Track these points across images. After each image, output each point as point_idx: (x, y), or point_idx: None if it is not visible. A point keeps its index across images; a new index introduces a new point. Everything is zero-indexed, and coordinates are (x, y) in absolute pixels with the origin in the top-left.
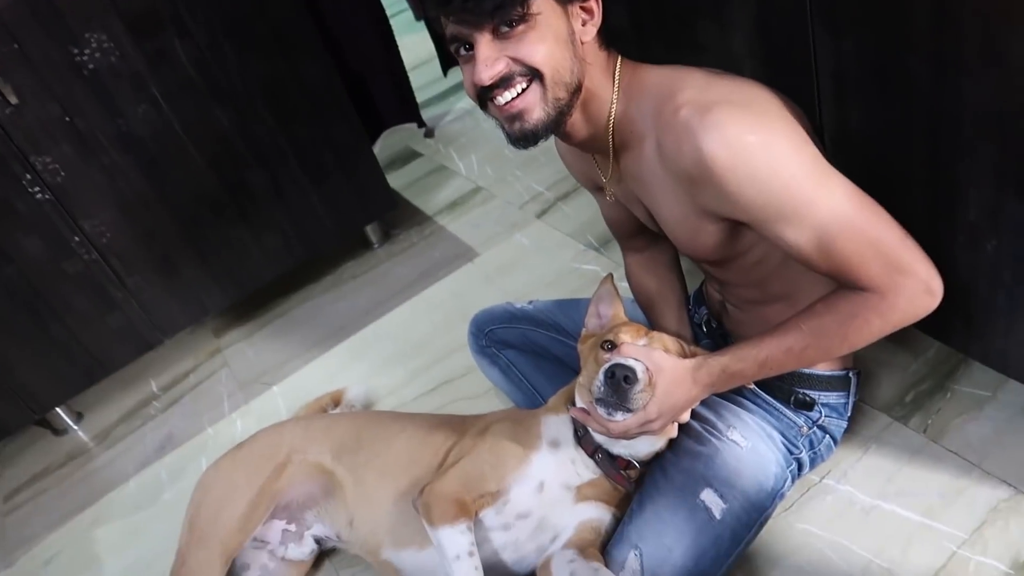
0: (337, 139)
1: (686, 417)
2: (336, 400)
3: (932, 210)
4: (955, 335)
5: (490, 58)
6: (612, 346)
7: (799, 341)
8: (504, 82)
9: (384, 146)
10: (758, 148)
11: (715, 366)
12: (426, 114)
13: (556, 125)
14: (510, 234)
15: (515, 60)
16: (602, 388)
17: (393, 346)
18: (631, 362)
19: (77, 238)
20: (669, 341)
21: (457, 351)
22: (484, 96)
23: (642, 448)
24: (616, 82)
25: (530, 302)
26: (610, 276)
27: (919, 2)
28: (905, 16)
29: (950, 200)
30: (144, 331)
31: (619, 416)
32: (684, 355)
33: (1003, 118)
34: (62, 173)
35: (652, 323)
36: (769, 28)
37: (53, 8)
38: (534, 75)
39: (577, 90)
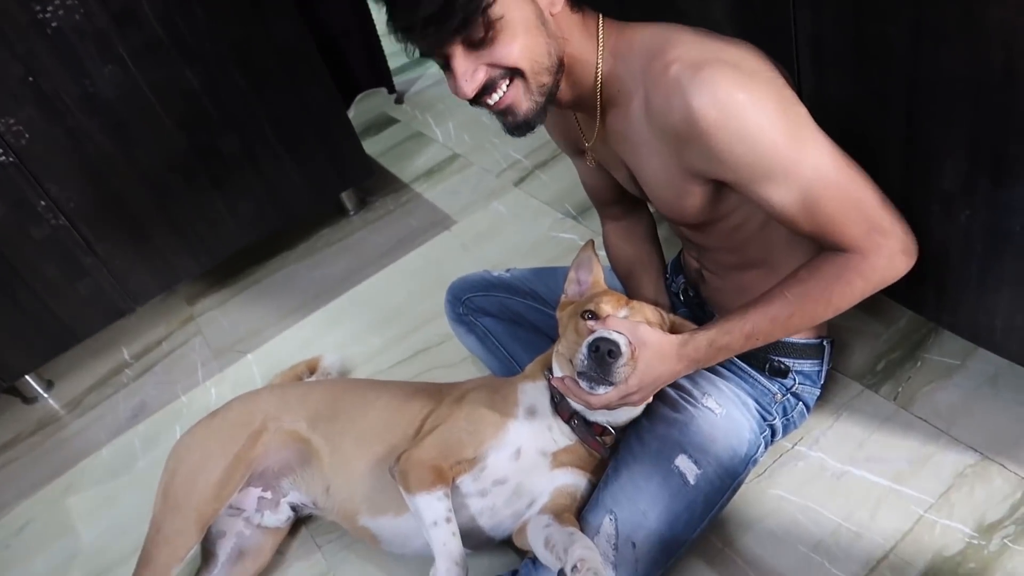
0: (311, 103)
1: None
2: (312, 368)
3: (907, 179)
4: (927, 304)
5: (468, 71)
6: (593, 316)
7: (784, 309)
8: (487, 88)
9: (359, 112)
10: (747, 107)
11: (701, 341)
12: (400, 79)
13: (547, 107)
14: (487, 202)
15: (493, 65)
16: (585, 362)
17: (369, 314)
18: (615, 336)
19: (43, 203)
20: (649, 311)
21: (434, 319)
22: (474, 101)
23: (619, 416)
24: (600, 42)
25: (507, 270)
26: (591, 242)
27: None
28: None
29: (925, 170)
30: (115, 298)
31: (601, 390)
32: (664, 325)
33: (979, 87)
34: (26, 135)
35: (629, 292)
36: None
37: None
38: (514, 73)
39: (559, 67)
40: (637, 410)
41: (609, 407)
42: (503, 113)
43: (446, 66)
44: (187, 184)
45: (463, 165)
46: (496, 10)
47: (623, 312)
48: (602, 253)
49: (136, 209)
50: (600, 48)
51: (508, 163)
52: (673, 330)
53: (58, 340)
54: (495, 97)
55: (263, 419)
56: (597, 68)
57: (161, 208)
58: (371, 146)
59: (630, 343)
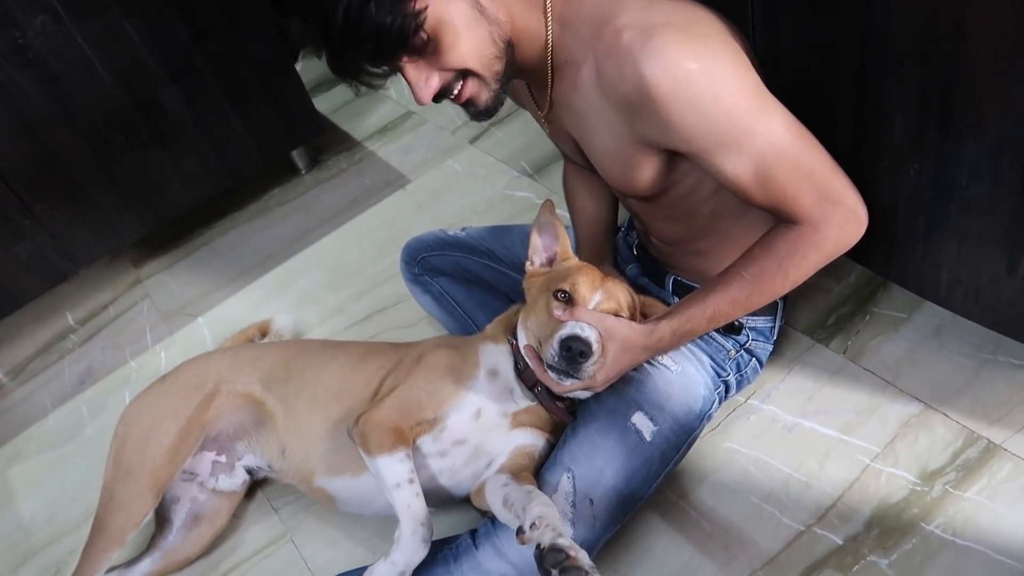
0: (257, 56)
1: None
2: (263, 330)
3: (858, 134)
4: (876, 259)
5: (421, 79)
6: (567, 297)
7: (743, 290)
8: (444, 91)
9: (309, 68)
10: (700, 75)
11: (665, 330)
12: None
13: (505, 89)
14: (442, 160)
15: (444, 70)
16: (556, 357)
17: (323, 275)
18: (587, 334)
19: None
20: (622, 294)
21: (389, 279)
22: (439, 99)
23: (585, 394)
24: (548, 10)
25: (463, 229)
26: (549, 203)
27: None
28: None
29: (876, 123)
30: (56, 261)
31: (567, 382)
32: (634, 306)
33: (930, 39)
34: None
35: (578, 234)
36: None
37: None
38: (466, 73)
39: (508, 47)
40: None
41: (574, 392)
42: (465, 105)
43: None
44: (128, 142)
45: (417, 122)
46: (429, 21)
47: (598, 296)
48: (562, 212)
49: (75, 168)
50: (548, 17)
51: (463, 120)
52: (643, 309)
53: None
54: (453, 94)
55: (216, 381)
56: (547, 38)
57: (102, 167)
58: (322, 103)
59: (600, 338)
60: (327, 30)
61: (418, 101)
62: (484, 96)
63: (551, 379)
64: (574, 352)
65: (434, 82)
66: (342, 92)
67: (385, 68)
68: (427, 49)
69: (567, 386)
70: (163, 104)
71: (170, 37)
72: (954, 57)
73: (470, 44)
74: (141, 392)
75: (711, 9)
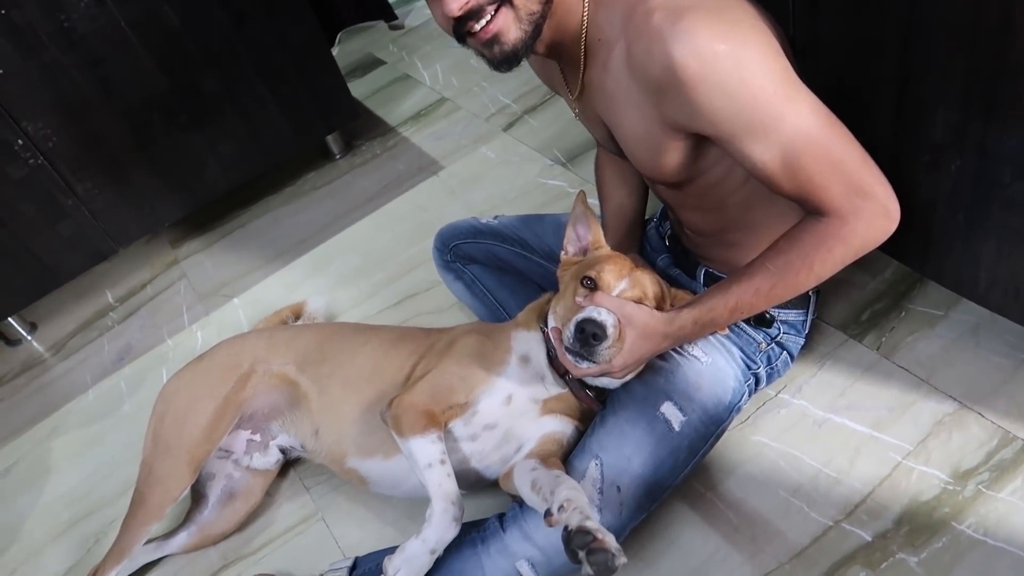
0: (294, 41)
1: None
2: (296, 313)
3: (899, 128)
4: (913, 255)
5: None
6: (592, 284)
7: (767, 281)
8: (474, 13)
9: (345, 53)
10: (728, 58)
11: (687, 319)
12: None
13: (533, 40)
14: (476, 147)
15: None
16: (571, 339)
17: (356, 259)
18: (603, 317)
19: (20, 141)
20: (649, 283)
21: (421, 265)
22: (459, 29)
23: (611, 382)
24: None
25: (495, 217)
26: (582, 194)
27: None
28: None
29: (917, 119)
30: (96, 240)
31: (584, 365)
32: (662, 296)
33: (975, 33)
34: (0, 71)
35: (605, 221)
36: None
37: None
38: (502, 1)
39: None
40: (629, 376)
41: (589, 376)
42: (489, 44)
43: None
44: (168, 124)
45: (451, 109)
46: None
47: (623, 283)
48: (593, 203)
49: (116, 149)
50: None
51: (497, 108)
52: (673, 301)
53: (40, 282)
54: (482, 22)
55: (251, 362)
56: (583, 15)
57: (142, 148)
58: (357, 88)
59: (618, 323)
60: None
61: (447, 10)
62: (513, 34)
63: (569, 361)
64: (587, 334)
65: None
66: (377, 78)
67: None
68: None
69: (584, 369)
70: (201, 88)
71: (209, 22)
72: (1000, 51)
73: None
74: (179, 370)
75: None
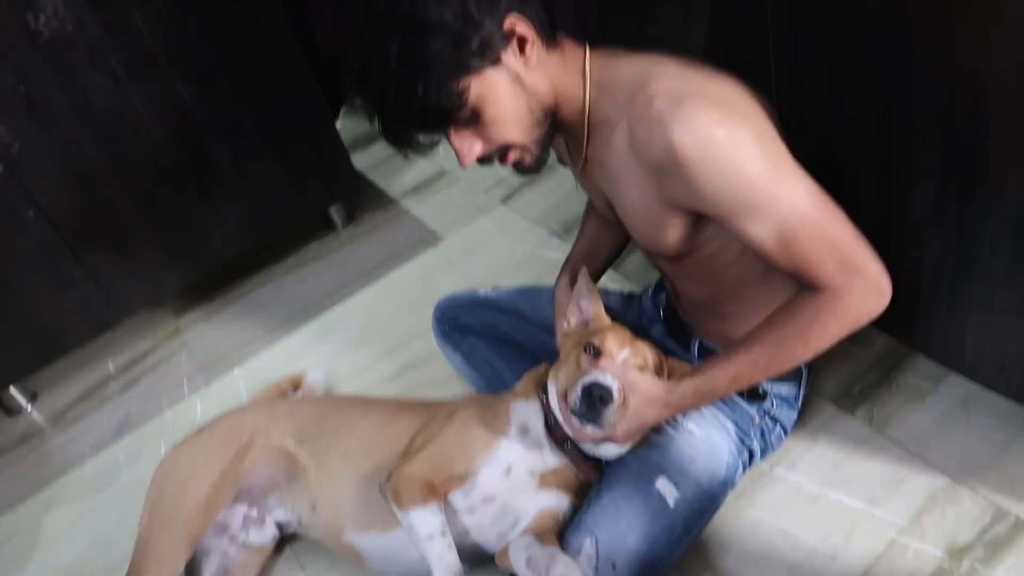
0: (300, 115)
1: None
2: (296, 384)
3: (881, 204)
4: (900, 328)
5: (465, 146)
6: (595, 351)
7: (764, 353)
8: (489, 159)
9: (348, 126)
10: (726, 143)
11: (688, 388)
12: None
13: (549, 148)
14: (475, 219)
15: (486, 140)
16: (578, 403)
17: (356, 329)
18: (609, 381)
19: (32, 212)
20: (649, 352)
21: (420, 336)
22: (484, 163)
23: (610, 451)
24: (587, 75)
25: (493, 288)
26: (584, 270)
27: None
28: (857, 13)
29: (898, 195)
30: (101, 309)
31: (589, 428)
32: (660, 366)
33: (948, 116)
34: (16, 145)
35: (576, 244)
36: (729, 19)
37: None
38: (508, 148)
39: (548, 112)
40: (627, 446)
41: (593, 441)
42: (514, 166)
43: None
44: (176, 195)
45: (451, 181)
46: (472, 96)
47: (626, 352)
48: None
49: (124, 219)
50: (587, 80)
51: (495, 180)
52: (670, 372)
53: (43, 351)
54: (497, 160)
55: (251, 434)
56: (585, 100)
57: (149, 219)
58: (360, 160)
59: (622, 388)
60: (379, 103)
61: (462, 166)
62: (527, 159)
63: (575, 424)
64: (595, 397)
65: (477, 149)
66: (379, 150)
67: (432, 137)
68: (471, 121)
69: (589, 433)
70: (210, 160)
71: (219, 97)
72: (973, 133)
73: (511, 117)
74: (178, 443)
75: (741, 80)
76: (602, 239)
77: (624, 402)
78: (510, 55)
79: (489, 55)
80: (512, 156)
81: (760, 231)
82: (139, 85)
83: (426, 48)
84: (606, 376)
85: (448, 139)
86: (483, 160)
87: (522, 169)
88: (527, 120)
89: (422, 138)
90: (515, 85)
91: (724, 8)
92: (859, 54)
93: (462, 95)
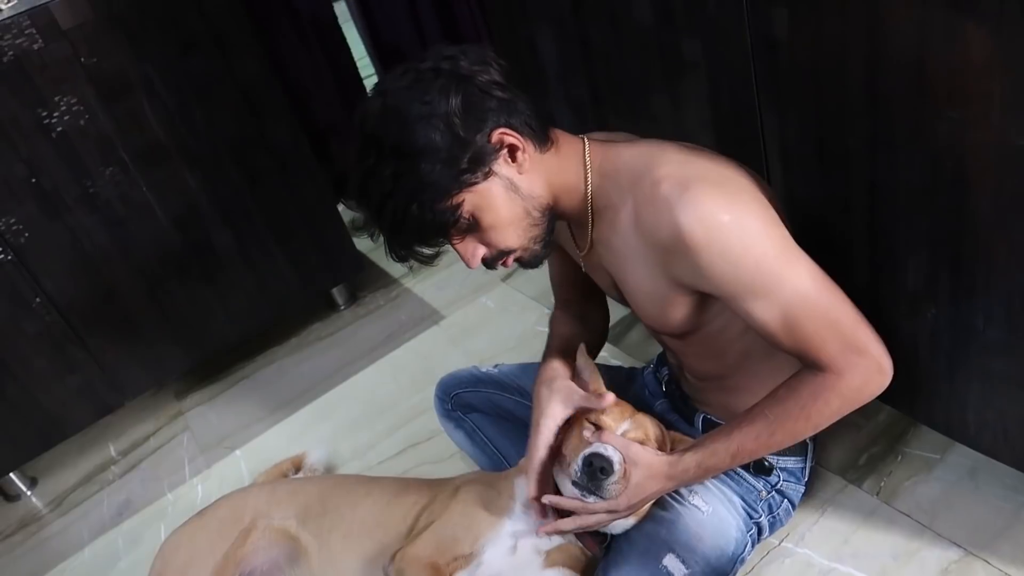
0: (303, 200)
1: (649, 504)
2: (297, 465)
3: (874, 279)
4: (902, 399)
5: (468, 250)
6: (596, 427)
7: (766, 428)
8: (492, 263)
9: (351, 208)
10: (732, 227)
11: (690, 462)
12: None
13: (550, 243)
14: (476, 296)
15: (487, 245)
16: (579, 473)
17: (358, 409)
18: (610, 453)
19: (38, 298)
20: (651, 426)
21: (422, 414)
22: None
23: (616, 525)
24: (587, 165)
25: (495, 366)
26: (583, 347)
27: (852, 84)
28: (841, 97)
29: (891, 269)
30: (104, 393)
31: (591, 499)
32: (663, 439)
33: (933, 193)
34: (25, 234)
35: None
36: (719, 103)
37: (23, 73)
38: (508, 253)
39: (546, 211)
40: (632, 519)
41: (599, 519)
42: (517, 263)
43: None
44: (180, 279)
45: (451, 260)
46: (467, 208)
47: (626, 424)
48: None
49: (129, 304)
50: (587, 171)
51: None
52: (672, 445)
53: (45, 436)
54: (500, 262)
55: (253, 516)
56: (586, 188)
57: (154, 303)
58: (362, 241)
59: (623, 460)
60: (379, 221)
61: (469, 267)
62: (528, 257)
63: (576, 497)
64: (595, 468)
65: (480, 252)
66: None
67: (436, 247)
68: (470, 228)
69: (592, 505)
70: (214, 244)
71: (225, 183)
72: (958, 209)
73: (507, 223)
74: (179, 527)
75: (742, 166)
76: (574, 341)
77: (625, 475)
78: (502, 164)
79: (480, 169)
80: (512, 258)
81: (764, 312)
82: (147, 174)
83: (418, 170)
84: (607, 448)
85: (452, 246)
86: (488, 263)
87: (525, 264)
88: (524, 222)
89: (426, 250)
90: (509, 192)
91: (714, 93)
92: (843, 134)
93: (456, 209)
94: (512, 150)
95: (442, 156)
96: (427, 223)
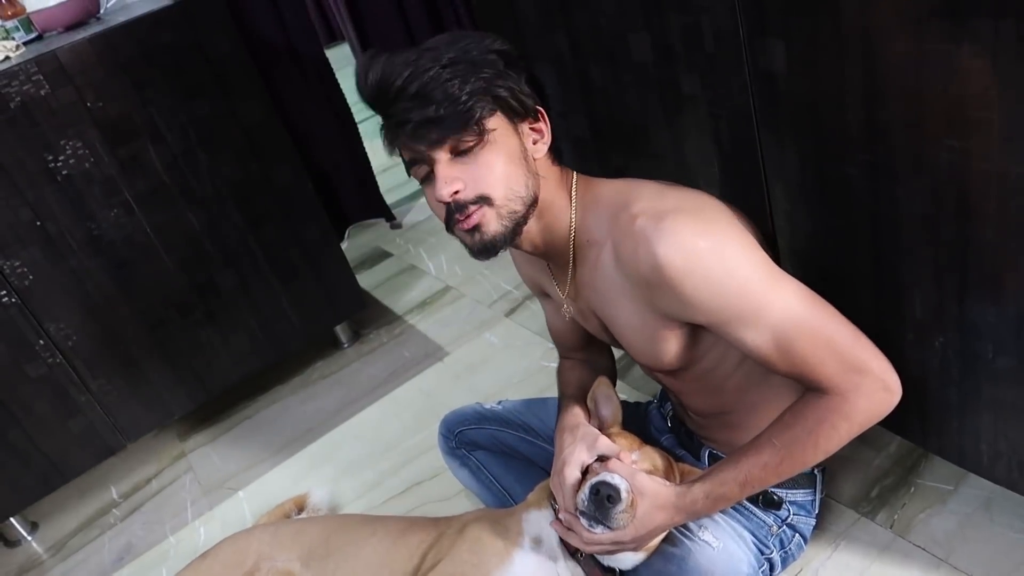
0: (306, 239)
1: (659, 538)
2: (300, 505)
3: (880, 309)
4: (912, 430)
5: (449, 176)
6: (604, 457)
7: (774, 456)
8: (460, 207)
9: (354, 246)
10: (710, 253)
11: (698, 493)
12: (397, 212)
13: (513, 235)
14: (479, 333)
15: (470, 182)
16: (586, 502)
17: (362, 447)
18: (617, 482)
19: (42, 341)
20: (658, 457)
21: (427, 452)
22: (449, 220)
23: (625, 561)
24: (573, 196)
25: (499, 402)
26: (603, 379)
27: (852, 116)
28: (841, 129)
29: (897, 299)
30: (106, 435)
31: (598, 529)
32: (671, 470)
33: (936, 222)
34: (30, 277)
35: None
36: (719, 138)
37: (30, 118)
38: (484, 200)
39: (533, 202)
40: (642, 555)
41: (601, 549)
42: (470, 232)
43: (428, 177)
44: (183, 320)
45: (455, 297)
46: (490, 123)
47: (633, 455)
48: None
49: (132, 345)
50: (573, 202)
51: (499, 294)
52: (681, 477)
53: (46, 480)
54: (466, 212)
55: (256, 559)
56: (571, 219)
57: (157, 344)
58: (365, 279)
59: (631, 490)
60: (408, 81)
61: (436, 196)
62: (492, 227)
63: (581, 527)
64: (602, 496)
65: (456, 185)
66: (384, 269)
67: (423, 149)
68: (468, 152)
69: (598, 535)
70: (217, 285)
71: (229, 225)
72: (962, 237)
73: (505, 171)
74: (181, 570)
75: (718, 197)
76: (588, 386)
77: (632, 504)
78: (527, 131)
79: (516, 107)
80: (481, 214)
81: (756, 338)
82: (151, 216)
83: (477, 66)
84: (614, 477)
85: (434, 165)
86: (451, 216)
87: (480, 238)
88: (517, 187)
89: (417, 145)
90: (520, 155)
91: (714, 127)
92: (843, 165)
93: (483, 111)
94: (536, 133)
95: (497, 71)
96: (455, 105)
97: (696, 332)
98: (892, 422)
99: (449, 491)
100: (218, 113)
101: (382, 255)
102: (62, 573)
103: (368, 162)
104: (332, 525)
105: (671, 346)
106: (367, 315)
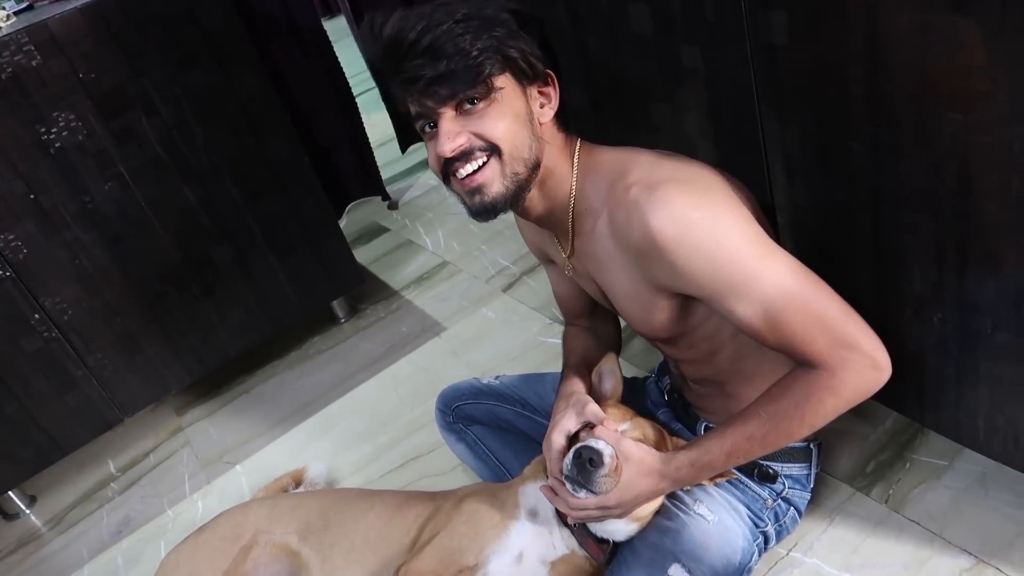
0: (303, 214)
1: (650, 508)
2: (297, 479)
3: (879, 284)
4: (909, 405)
5: (452, 131)
6: (592, 426)
7: (760, 427)
8: (465, 156)
9: (351, 221)
10: (703, 223)
11: (683, 460)
12: (392, 188)
13: (515, 199)
14: (476, 308)
15: (476, 135)
16: (570, 466)
17: (359, 422)
18: (600, 445)
19: (37, 315)
20: (649, 429)
21: (424, 427)
22: (447, 170)
23: (618, 529)
24: (575, 163)
25: (496, 377)
26: (612, 356)
27: (854, 88)
28: (843, 102)
29: (896, 274)
30: (104, 410)
31: (581, 493)
32: (663, 441)
33: (937, 197)
34: (24, 250)
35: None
36: (719, 111)
37: (21, 89)
38: (493, 150)
39: (536, 167)
40: (635, 525)
41: (588, 516)
42: (473, 192)
43: (431, 132)
44: (180, 294)
45: (452, 272)
46: (498, 82)
47: (624, 426)
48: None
49: (129, 320)
50: (575, 169)
51: (496, 270)
52: (672, 448)
53: (44, 454)
54: (470, 168)
55: (253, 532)
56: (572, 186)
57: (153, 319)
58: (362, 254)
59: (615, 455)
60: (422, 34)
61: (439, 150)
62: (496, 187)
63: (566, 491)
64: (584, 459)
65: (461, 139)
66: (381, 244)
67: (431, 104)
68: (475, 106)
69: (582, 499)
70: (214, 259)
71: (225, 199)
72: (962, 212)
73: (511, 129)
74: (179, 544)
75: (715, 168)
76: (590, 355)
77: (616, 469)
78: (535, 94)
79: (525, 69)
80: (486, 172)
81: (746, 310)
82: (146, 189)
83: (491, 24)
84: (597, 441)
85: (439, 120)
86: (452, 168)
87: (481, 200)
88: (522, 146)
89: (426, 101)
90: (526, 117)
91: (714, 100)
92: (845, 138)
93: (493, 66)
94: (544, 97)
95: (511, 30)
96: (465, 59)
97: (688, 303)
98: (889, 397)
99: (446, 465)
100: (213, 85)
101: (379, 230)
102: (61, 546)
103: (367, 139)
104: (329, 499)
105: (663, 314)
106: (364, 290)
